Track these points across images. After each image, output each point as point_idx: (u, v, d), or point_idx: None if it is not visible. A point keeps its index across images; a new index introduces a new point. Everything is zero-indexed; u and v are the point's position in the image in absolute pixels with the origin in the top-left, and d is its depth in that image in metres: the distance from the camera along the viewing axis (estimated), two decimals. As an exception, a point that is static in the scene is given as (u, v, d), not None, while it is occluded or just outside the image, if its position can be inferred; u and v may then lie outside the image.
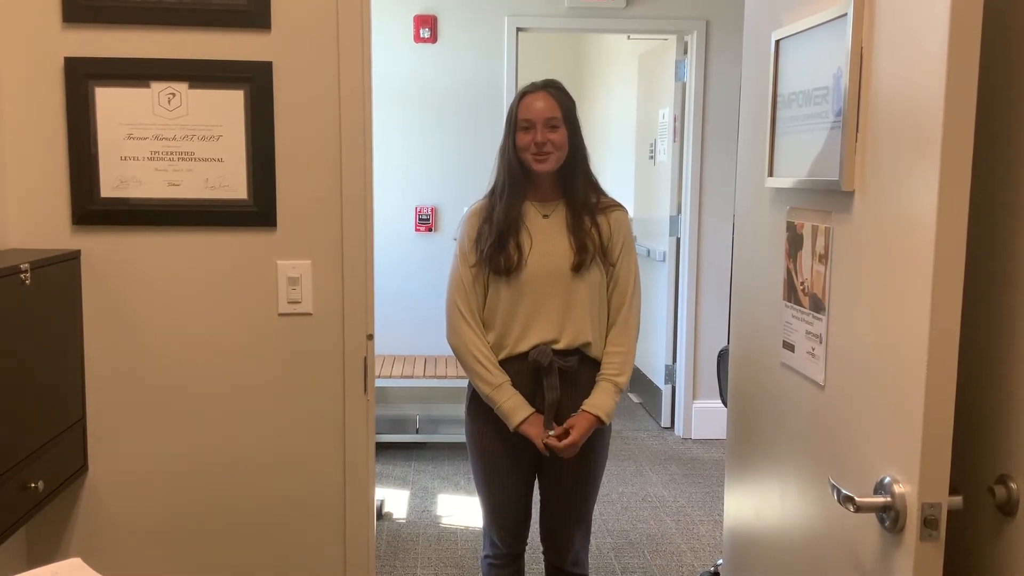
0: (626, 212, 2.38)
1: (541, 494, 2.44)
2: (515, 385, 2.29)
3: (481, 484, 2.44)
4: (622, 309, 2.34)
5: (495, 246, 2.26)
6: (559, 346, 2.28)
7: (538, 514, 2.48)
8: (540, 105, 2.24)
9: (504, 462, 2.36)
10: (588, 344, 2.30)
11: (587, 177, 2.33)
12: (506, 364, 2.30)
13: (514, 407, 2.27)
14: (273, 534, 2.15)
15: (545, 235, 2.28)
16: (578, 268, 2.25)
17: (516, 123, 2.26)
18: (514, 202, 2.28)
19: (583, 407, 2.29)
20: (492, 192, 2.35)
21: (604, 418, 2.28)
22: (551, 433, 2.26)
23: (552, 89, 2.28)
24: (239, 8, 1.99)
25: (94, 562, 1.64)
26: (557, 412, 2.30)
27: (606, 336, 2.35)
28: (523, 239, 2.27)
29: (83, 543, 2.12)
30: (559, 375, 2.28)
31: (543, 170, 2.25)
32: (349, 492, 2.15)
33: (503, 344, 2.30)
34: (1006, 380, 1.25)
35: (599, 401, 2.29)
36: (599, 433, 2.34)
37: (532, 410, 2.27)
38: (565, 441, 2.24)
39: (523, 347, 2.28)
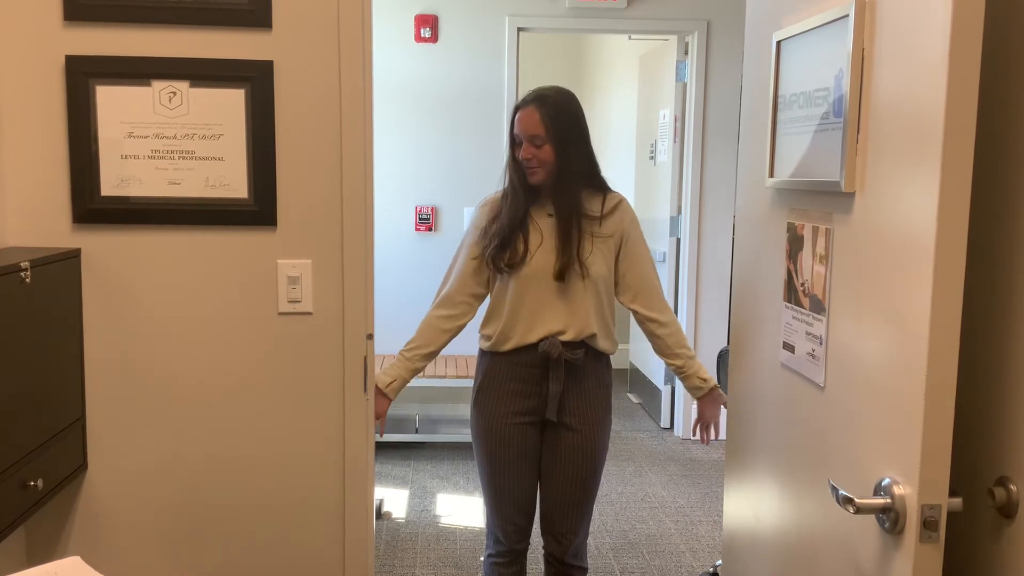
0: (625, 200, 2.44)
1: (543, 484, 2.47)
2: (524, 375, 2.36)
3: (486, 477, 2.46)
4: (650, 288, 2.42)
5: (498, 247, 2.33)
6: (566, 337, 2.33)
7: (539, 509, 2.50)
8: (525, 122, 2.30)
9: (510, 454, 2.40)
10: (594, 336, 2.36)
11: (583, 185, 2.36)
12: (516, 354, 2.36)
13: (384, 372, 2.38)
14: (272, 532, 2.15)
15: (548, 234, 2.34)
16: (560, 277, 2.30)
17: (512, 135, 2.35)
18: (519, 207, 2.35)
19: (697, 390, 2.47)
20: (504, 192, 2.41)
21: (713, 381, 2.50)
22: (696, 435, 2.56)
23: (540, 103, 2.31)
24: (240, 7, 1.98)
25: (93, 560, 1.64)
26: (561, 404, 2.36)
27: (614, 327, 2.43)
28: (532, 236, 2.33)
29: (82, 541, 2.12)
30: (565, 367, 2.32)
31: (534, 183, 2.33)
32: (348, 491, 2.15)
33: (510, 334, 2.35)
34: (1006, 382, 1.26)
35: (702, 374, 2.47)
36: (601, 426, 2.42)
37: (390, 382, 2.35)
38: (712, 432, 2.53)
39: (532, 338, 2.34)
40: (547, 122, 2.29)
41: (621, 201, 2.41)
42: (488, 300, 2.45)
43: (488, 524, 2.53)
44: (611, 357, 2.47)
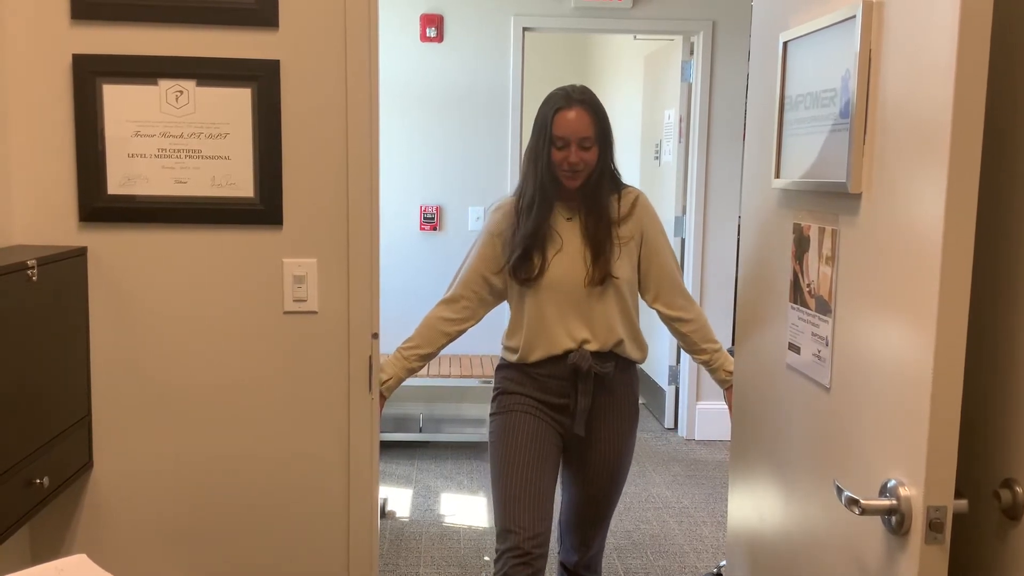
0: (642, 195, 2.35)
1: (566, 490, 2.39)
2: (550, 387, 2.28)
3: (500, 465, 2.27)
4: (671, 285, 2.34)
5: (520, 257, 2.24)
6: (593, 347, 2.26)
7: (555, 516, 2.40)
8: (575, 123, 2.19)
9: (530, 449, 2.26)
10: (621, 342, 2.28)
11: (609, 187, 2.28)
12: (543, 366, 2.28)
13: (380, 368, 2.26)
14: (277, 531, 2.16)
15: (568, 239, 2.26)
16: (594, 283, 2.22)
17: (550, 138, 2.21)
18: (544, 216, 2.25)
19: (724, 383, 2.34)
20: (519, 197, 2.30)
21: None
22: None
23: (586, 104, 2.22)
24: (247, 6, 1.99)
25: (98, 558, 1.64)
26: (589, 417, 2.29)
27: (638, 329, 2.35)
28: (550, 244, 2.25)
29: (87, 539, 2.12)
30: (594, 380, 2.26)
31: (574, 187, 2.24)
32: (353, 490, 2.15)
33: (535, 345, 2.27)
34: (1012, 383, 1.25)
35: (728, 367, 2.34)
36: (627, 440, 2.36)
37: (386, 379, 2.27)
38: None
39: (558, 349, 2.26)
40: (597, 124, 2.21)
41: (637, 198, 2.32)
42: (509, 310, 2.35)
43: (497, 521, 2.27)
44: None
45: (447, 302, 2.35)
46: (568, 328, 2.25)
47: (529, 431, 2.26)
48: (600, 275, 2.22)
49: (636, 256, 2.31)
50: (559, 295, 2.24)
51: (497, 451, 2.30)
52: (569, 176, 2.22)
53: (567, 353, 2.25)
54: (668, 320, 2.39)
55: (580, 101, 2.21)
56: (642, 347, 2.37)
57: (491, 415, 2.37)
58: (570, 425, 2.29)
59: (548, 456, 2.28)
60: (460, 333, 2.37)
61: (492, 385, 2.38)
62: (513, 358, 2.33)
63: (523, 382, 2.31)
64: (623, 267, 2.26)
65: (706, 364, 2.41)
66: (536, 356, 2.27)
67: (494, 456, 2.32)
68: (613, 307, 2.26)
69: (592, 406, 2.28)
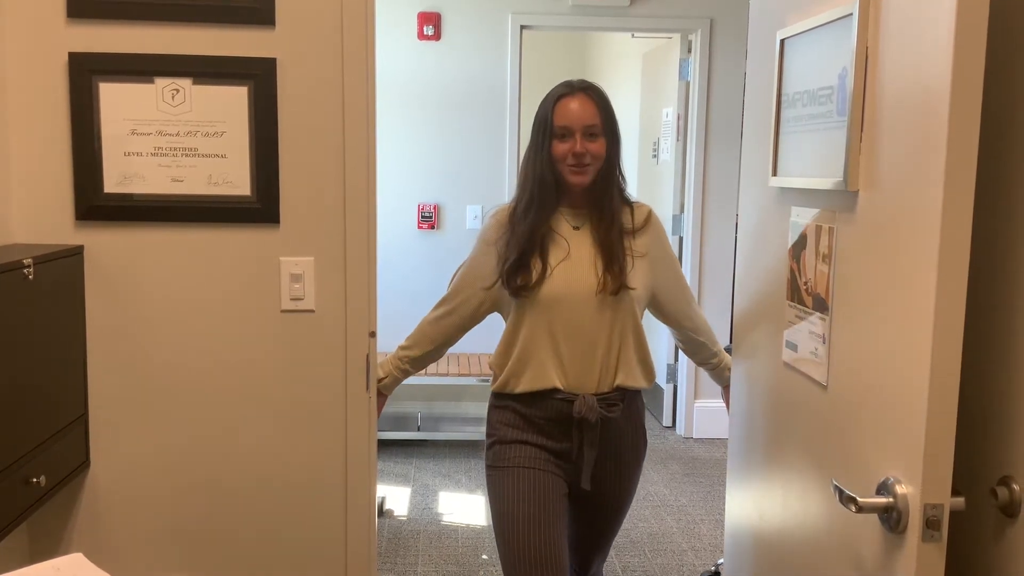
0: (653, 211, 2.19)
1: (568, 517, 2.15)
2: (549, 431, 2.07)
3: (507, 539, 2.03)
4: (687, 305, 2.24)
5: (516, 262, 2.04)
6: (596, 374, 2.06)
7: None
8: (579, 110, 2.01)
9: (543, 508, 2.02)
10: (628, 370, 2.09)
11: (620, 192, 2.11)
12: (536, 405, 2.07)
13: (379, 366, 2.19)
14: (274, 529, 2.15)
15: (576, 247, 2.06)
16: (608, 293, 2.02)
17: (551, 129, 2.02)
18: (542, 218, 2.04)
19: (727, 380, 2.22)
20: (516, 206, 2.10)
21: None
22: None
23: (591, 92, 2.04)
24: (244, 4, 1.98)
25: (96, 557, 1.64)
26: (595, 466, 2.09)
27: (648, 351, 2.15)
28: (552, 251, 2.05)
29: (85, 538, 2.12)
30: (600, 425, 2.05)
31: (580, 184, 2.03)
32: (351, 489, 2.15)
33: (524, 368, 2.06)
34: (1009, 381, 1.25)
35: (731, 365, 2.12)
36: (636, 473, 2.22)
37: (383, 377, 2.18)
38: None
39: (547, 383, 2.04)
40: (603, 114, 2.02)
41: (650, 213, 2.15)
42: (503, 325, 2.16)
43: None
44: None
45: (438, 309, 2.21)
46: (560, 359, 2.05)
47: (531, 488, 2.03)
48: (616, 284, 2.01)
49: (648, 273, 2.11)
50: (562, 310, 2.02)
51: (500, 513, 2.07)
52: (576, 171, 2.01)
53: (557, 391, 2.05)
54: (687, 332, 2.26)
55: (583, 89, 2.05)
56: (650, 372, 2.15)
57: (488, 466, 2.15)
58: (572, 471, 2.08)
59: (556, 510, 2.05)
60: (449, 343, 2.22)
61: (489, 385, 2.31)
62: (495, 385, 2.13)
63: (519, 426, 2.09)
64: (637, 279, 2.06)
65: (714, 368, 2.32)
66: (522, 386, 2.06)
67: (498, 518, 2.08)
68: (628, 324, 2.06)
69: (598, 453, 2.08)
